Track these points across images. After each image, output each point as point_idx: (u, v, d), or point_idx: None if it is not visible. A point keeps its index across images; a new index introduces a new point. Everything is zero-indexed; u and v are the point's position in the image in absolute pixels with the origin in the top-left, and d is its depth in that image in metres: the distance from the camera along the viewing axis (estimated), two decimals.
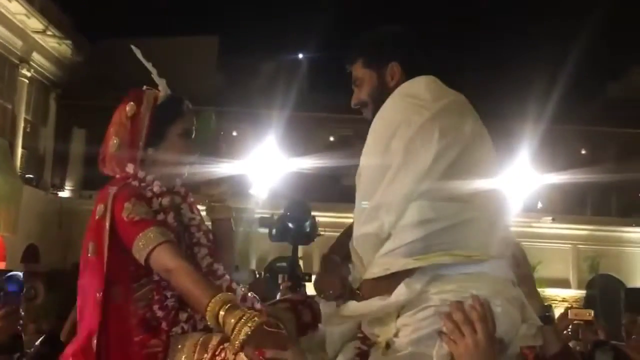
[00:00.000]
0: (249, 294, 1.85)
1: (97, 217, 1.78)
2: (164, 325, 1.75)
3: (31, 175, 16.46)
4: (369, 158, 1.74)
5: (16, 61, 15.59)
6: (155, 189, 1.83)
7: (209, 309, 1.53)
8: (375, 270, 1.66)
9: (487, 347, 1.44)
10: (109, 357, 1.73)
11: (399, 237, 1.62)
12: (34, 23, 15.60)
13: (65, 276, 11.37)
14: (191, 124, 1.93)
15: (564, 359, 1.74)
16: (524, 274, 1.75)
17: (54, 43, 16.83)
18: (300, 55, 19.78)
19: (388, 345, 1.61)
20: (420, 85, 1.76)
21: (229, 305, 1.52)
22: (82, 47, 17.71)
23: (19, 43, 15.46)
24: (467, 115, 1.72)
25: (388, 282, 1.62)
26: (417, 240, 1.60)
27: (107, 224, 1.74)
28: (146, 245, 1.68)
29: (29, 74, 16.01)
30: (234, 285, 1.86)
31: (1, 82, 15.01)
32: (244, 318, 1.47)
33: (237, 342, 1.45)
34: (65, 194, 18.34)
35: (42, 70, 16.93)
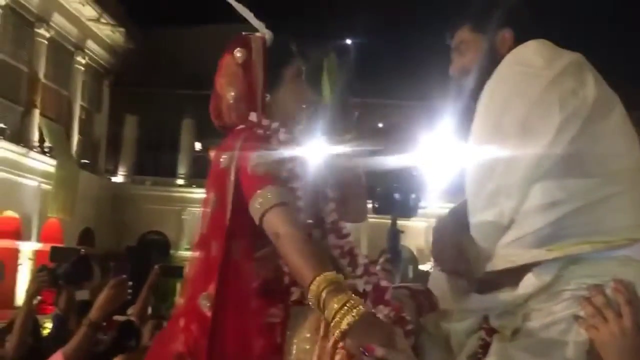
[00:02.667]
0: (378, 269, 1.69)
1: (221, 166, 1.64)
2: (286, 281, 1.60)
3: (86, 161, 16.93)
4: (479, 138, 1.57)
5: (71, 49, 16.00)
6: (282, 137, 1.69)
7: (312, 287, 1.36)
8: (499, 262, 1.49)
9: (635, 335, 1.28)
10: (224, 322, 1.58)
11: (524, 224, 1.44)
12: (89, 11, 15.96)
13: (121, 259, 11.70)
14: (302, 64, 1.82)
15: None
16: None
17: (107, 31, 17.20)
18: (349, 41, 19.60)
19: (515, 333, 1.46)
20: (530, 50, 1.58)
21: (333, 286, 1.34)
22: (135, 35, 18.02)
23: (74, 31, 15.85)
24: (587, 78, 1.50)
25: (514, 273, 1.46)
26: (546, 225, 1.41)
27: (233, 174, 1.61)
28: (262, 205, 1.53)
29: (83, 61, 16.42)
30: (356, 250, 1.70)
31: (57, 69, 15.43)
32: (348, 305, 1.30)
33: (337, 331, 1.29)
34: (118, 179, 18.83)
35: (96, 58, 17.34)
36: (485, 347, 1.55)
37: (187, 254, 17.54)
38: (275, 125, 1.70)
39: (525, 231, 1.44)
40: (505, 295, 1.49)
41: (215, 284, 1.58)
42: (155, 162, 19.06)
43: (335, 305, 1.31)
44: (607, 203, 1.42)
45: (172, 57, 17.35)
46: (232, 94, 1.74)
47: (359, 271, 1.65)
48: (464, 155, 1.62)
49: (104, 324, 2.48)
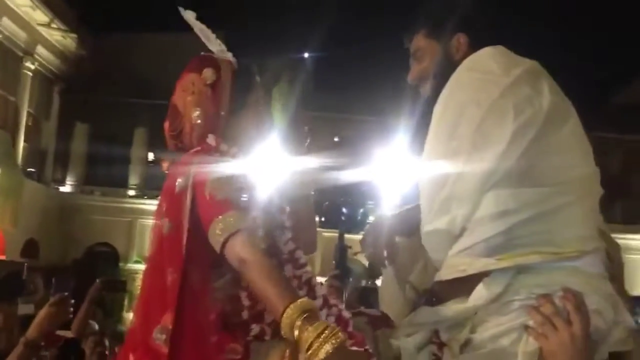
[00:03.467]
0: (331, 296, 1.66)
1: (176, 191, 1.60)
2: (245, 316, 1.55)
3: (33, 169, 16.39)
4: (433, 145, 1.55)
5: (20, 54, 15.51)
6: (239, 163, 1.66)
7: (285, 315, 1.33)
8: (449, 271, 1.48)
9: (584, 343, 1.26)
10: (179, 357, 1.50)
11: (475, 233, 1.43)
12: (39, 15, 15.52)
13: (66, 272, 11.30)
14: (262, 91, 1.82)
15: None
16: (615, 272, 1.55)
17: (58, 36, 16.76)
18: (306, 54, 19.68)
19: (465, 345, 1.44)
20: (487, 57, 1.57)
21: (307, 314, 1.32)
22: (87, 41, 17.64)
23: (23, 35, 15.38)
24: (543, 86, 1.49)
25: (464, 283, 1.44)
26: (498, 234, 1.39)
27: (188, 199, 1.56)
28: (224, 230, 1.49)
29: (33, 67, 15.93)
30: (313, 280, 1.67)
31: (5, 75, 14.92)
32: (325, 333, 1.28)
33: None
34: (66, 188, 18.28)
35: (46, 64, 16.85)
36: None
37: (137, 266, 17.14)
38: (233, 150, 1.67)
39: (476, 240, 1.42)
40: (455, 308, 1.47)
41: (171, 315, 1.50)
42: (106, 172, 18.59)
43: (312, 334, 1.28)
44: (558, 213, 1.42)
45: (124, 64, 17.02)
46: (198, 113, 1.70)
47: (318, 302, 1.60)
48: (418, 165, 1.61)
49: (43, 342, 2.35)
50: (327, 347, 1.26)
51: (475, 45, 1.62)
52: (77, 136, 18.35)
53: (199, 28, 1.77)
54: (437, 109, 1.57)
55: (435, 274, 1.55)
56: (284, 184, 1.78)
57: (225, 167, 1.61)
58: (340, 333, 1.29)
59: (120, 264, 17.18)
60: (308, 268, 1.69)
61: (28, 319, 3.20)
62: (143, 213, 17.43)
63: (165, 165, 1.75)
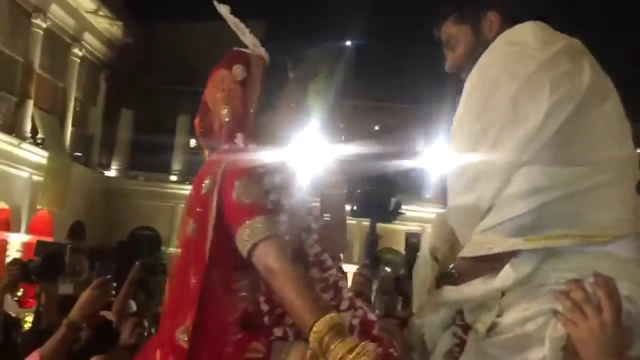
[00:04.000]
0: (357, 299, 1.64)
1: (203, 192, 1.56)
2: (267, 322, 1.54)
3: (80, 154, 16.82)
4: (464, 117, 1.50)
5: (68, 40, 15.89)
6: (268, 164, 1.62)
7: (315, 330, 1.32)
8: (475, 248, 1.44)
9: (615, 331, 1.22)
10: (200, 356, 1.50)
11: (503, 210, 1.38)
12: (87, 3, 15.85)
13: (111, 254, 11.58)
14: (296, 90, 1.75)
15: None
16: None
17: (105, 24, 17.09)
18: (348, 42, 19.59)
19: (491, 329, 1.41)
20: (526, 31, 1.51)
21: (336, 329, 1.32)
22: (133, 29, 17.92)
23: (71, 22, 15.74)
24: (583, 62, 1.44)
25: (490, 261, 1.40)
26: (527, 213, 1.35)
27: (215, 201, 1.52)
28: (251, 236, 1.46)
29: (80, 54, 16.30)
30: (340, 283, 1.64)
31: (54, 61, 15.32)
32: (356, 351, 1.27)
33: None
34: (111, 173, 18.72)
35: (93, 51, 17.22)
36: (461, 344, 1.51)
37: (178, 250, 17.42)
38: (262, 150, 1.63)
39: (504, 217, 1.38)
40: (481, 288, 1.44)
41: (192, 315, 1.50)
42: (150, 157, 18.95)
43: (341, 350, 1.28)
44: (591, 194, 1.37)
45: (169, 52, 17.27)
46: (226, 111, 1.66)
47: (344, 305, 1.59)
48: (448, 142, 1.56)
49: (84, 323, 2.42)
50: None
51: (508, 22, 1.56)
52: (122, 122, 18.74)
53: (233, 22, 1.74)
54: (470, 80, 1.52)
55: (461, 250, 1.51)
56: (315, 181, 1.76)
57: (253, 169, 1.57)
58: (369, 353, 1.27)
59: (162, 248, 17.52)
60: (334, 271, 1.66)
61: (65, 300, 3.31)
62: (185, 198, 17.51)
63: (207, 152, 1.74)
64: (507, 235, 1.38)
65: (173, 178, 18.56)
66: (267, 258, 1.45)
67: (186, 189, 17.82)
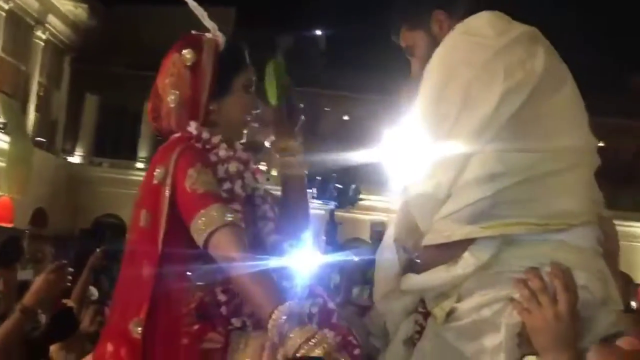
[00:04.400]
0: (319, 288, 1.62)
1: (155, 181, 1.52)
2: (224, 312, 1.51)
3: (43, 139, 16.46)
4: (422, 106, 1.50)
5: (32, 22, 15.49)
6: (222, 153, 1.58)
7: (273, 318, 1.31)
8: (435, 236, 1.44)
9: (569, 322, 1.24)
10: (154, 348, 1.47)
11: (461, 196, 1.39)
12: None
13: (73, 242, 11.38)
14: (254, 74, 1.68)
15: None
16: (610, 250, 1.50)
17: (69, 6, 16.71)
18: (319, 32, 19.54)
19: (450, 314, 1.43)
20: (482, 21, 1.52)
21: (296, 317, 1.31)
22: (98, 12, 17.58)
23: (35, 4, 15.34)
24: (538, 50, 1.44)
25: (451, 248, 1.41)
26: (483, 199, 1.35)
27: (167, 192, 1.49)
28: (207, 225, 1.44)
29: (44, 37, 15.92)
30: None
31: (16, 44, 14.92)
32: (313, 340, 1.26)
33: None
34: (75, 159, 18.39)
35: (57, 33, 16.83)
36: (421, 331, 1.52)
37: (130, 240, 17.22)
38: (216, 139, 1.59)
39: (461, 204, 1.39)
40: (442, 275, 1.45)
41: (145, 309, 1.47)
42: (115, 144, 18.67)
43: (298, 340, 1.27)
44: (546, 181, 1.38)
45: (136, 36, 16.97)
46: (174, 97, 1.61)
47: (303, 293, 1.56)
48: (407, 127, 1.57)
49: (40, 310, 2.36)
50: (317, 352, 1.25)
51: (457, 17, 1.58)
52: (87, 107, 18.40)
53: (193, 5, 1.69)
54: (427, 70, 1.52)
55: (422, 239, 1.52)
56: (274, 167, 1.74)
57: (206, 157, 1.54)
58: (328, 340, 1.27)
59: (127, 236, 17.31)
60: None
61: (23, 285, 3.24)
62: None
63: (149, 113, 1.69)
64: (464, 222, 1.39)
65: (139, 165, 18.31)
66: (225, 246, 1.44)
67: None
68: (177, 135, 1.60)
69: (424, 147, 1.46)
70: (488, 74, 1.40)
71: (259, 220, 1.64)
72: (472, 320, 1.38)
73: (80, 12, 17.11)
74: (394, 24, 1.68)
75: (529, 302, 1.27)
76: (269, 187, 1.74)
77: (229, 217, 1.46)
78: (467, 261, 1.39)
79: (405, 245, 1.62)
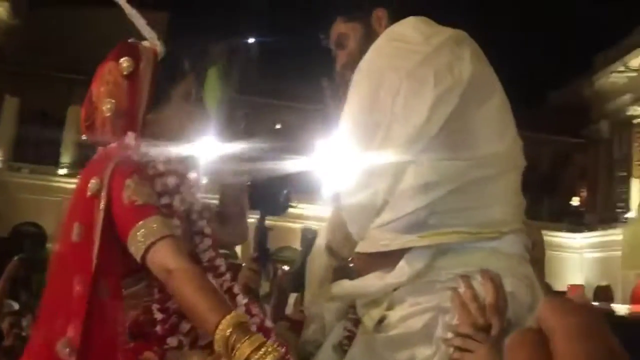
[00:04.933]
0: (253, 306, 1.61)
1: (89, 193, 1.46)
2: (160, 331, 1.46)
3: None
4: (352, 116, 1.50)
5: None
6: (160, 166, 1.55)
7: (219, 329, 1.27)
8: (371, 244, 1.44)
9: (500, 342, 1.28)
10: None
11: (398, 206, 1.40)
12: None
13: None
14: (194, 85, 1.65)
15: None
16: (537, 257, 1.53)
17: None
18: (251, 39, 19.49)
19: (380, 322, 1.43)
20: (408, 27, 1.53)
21: (242, 328, 1.28)
22: (20, 12, 16.83)
23: None
24: (464, 53, 1.46)
25: (385, 257, 1.42)
26: (419, 210, 1.37)
27: (103, 204, 1.44)
28: (146, 237, 1.40)
29: None
30: (235, 289, 1.61)
31: None
32: (263, 350, 1.24)
33: None
34: None
35: None
36: (351, 337, 1.53)
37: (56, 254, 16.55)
38: (154, 151, 1.55)
39: (398, 214, 1.41)
40: (376, 282, 1.46)
41: (78, 329, 1.40)
42: (36, 148, 17.86)
43: (247, 350, 1.24)
44: (478, 189, 1.42)
45: (59, 38, 16.35)
46: (109, 106, 1.56)
47: (240, 311, 1.53)
48: (339, 136, 1.57)
49: None
50: None
51: (396, 18, 1.60)
52: (6, 110, 17.54)
53: (130, 12, 1.65)
54: (356, 77, 1.52)
55: (355, 247, 1.53)
56: (212, 179, 1.73)
57: (144, 169, 1.51)
58: (279, 348, 1.25)
59: (48, 245, 16.59)
60: (227, 276, 1.63)
61: None
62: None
63: (83, 123, 1.62)
64: (401, 232, 1.40)
65: (61, 171, 17.60)
66: (165, 259, 1.40)
67: (75, 183, 16.94)
68: (112, 145, 1.56)
69: (356, 155, 1.47)
70: (418, 81, 1.41)
71: (195, 236, 1.61)
72: (402, 330, 1.40)
73: (1, 11, 16.34)
74: (330, 12, 1.67)
75: (462, 314, 1.30)
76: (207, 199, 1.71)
77: (169, 229, 1.43)
78: (402, 270, 1.41)
79: (338, 252, 1.63)
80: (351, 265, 1.56)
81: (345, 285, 1.52)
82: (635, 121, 17.04)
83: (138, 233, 1.41)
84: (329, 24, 1.68)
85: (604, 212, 18.38)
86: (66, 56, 16.07)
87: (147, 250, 1.41)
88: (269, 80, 18.11)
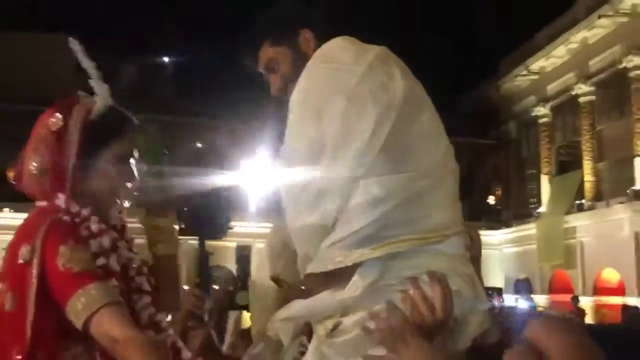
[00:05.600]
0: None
1: (20, 260, 1.42)
2: None
3: None
4: (295, 139, 1.53)
5: None
6: (94, 226, 1.51)
7: None
8: (324, 264, 1.47)
9: (443, 341, 1.35)
10: None
11: (348, 223, 1.44)
12: None
13: None
14: (132, 145, 1.59)
15: (503, 348, 1.61)
16: (474, 256, 1.62)
17: None
18: (166, 59, 19.18)
19: (333, 329, 1.46)
20: (336, 48, 1.59)
21: None
22: None
23: None
24: (394, 71, 1.53)
25: (336, 274, 1.45)
26: (370, 224, 1.43)
27: (35, 271, 1.40)
28: (87, 306, 1.37)
29: None
30: (178, 343, 1.61)
31: None
32: None
33: None
34: None
35: None
36: (304, 353, 1.56)
37: None
38: (85, 211, 1.52)
39: (350, 230, 1.45)
40: (330, 300, 1.49)
41: None
42: None
43: None
44: (422, 198, 1.48)
45: None
46: (35, 164, 1.52)
47: None
48: (280, 159, 1.60)
49: None
50: None
51: (321, 38, 1.64)
52: None
53: (87, 64, 1.62)
54: (295, 101, 1.56)
55: (304, 268, 1.55)
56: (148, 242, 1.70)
57: (78, 233, 1.47)
58: None
59: None
60: (170, 331, 1.63)
61: None
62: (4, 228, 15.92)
63: (12, 175, 1.60)
64: (354, 247, 1.45)
65: None
66: (109, 327, 1.38)
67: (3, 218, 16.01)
68: (42, 204, 1.53)
69: (303, 176, 1.50)
70: (358, 102, 1.47)
71: (134, 293, 1.59)
72: (355, 335, 1.44)
73: None
74: (254, 39, 1.70)
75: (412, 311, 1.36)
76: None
77: (110, 296, 1.41)
78: (356, 284, 1.45)
79: (285, 280, 1.66)
80: (301, 287, 1.58)
81: (298, 307, 1.55)
82: (540, 121, 17.98)
83: (78, 302, 1.38)
84: (252, 47, 1.70)
85: (517, 209, 19.31)
86: None
87: (88, 319, 1.38)
88: (188, 99, 17.87)
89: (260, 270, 1.77)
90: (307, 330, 1.60)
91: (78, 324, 1.39)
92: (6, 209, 16.24)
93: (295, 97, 1.57)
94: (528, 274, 18.00)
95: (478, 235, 1.75)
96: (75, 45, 1.62)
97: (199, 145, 18.63)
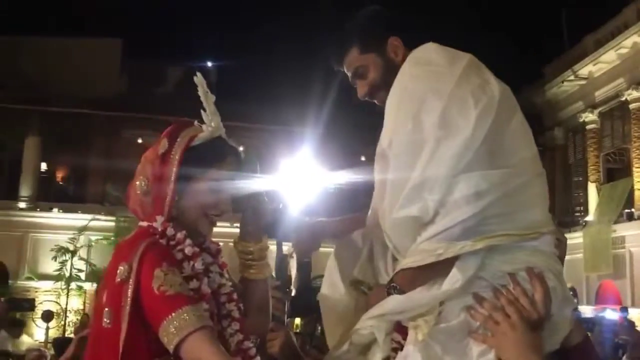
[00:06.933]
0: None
1: (118, 279, 1.48)
2: None
3: None
4: (395, 136, 1.60)
5: None
6: (187, 249, 1.55)
7: None
8: (422, 257, 1.51)
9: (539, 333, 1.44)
10: None
11: (449, 216, 1.49)
12: None
13: None
14: (231, 172, 1.62)
15: (585, 352, 1.67)
16: (560, 255, 1.68)
17: None
18: (209, 63, 19.49)
19: (434, 325, 1.51)
20: (429, 52, 1.68)
21: None
22: None
23: None
24: (488, 75, 1.64)
25: (432, 269, 1.50)
26: (472, 216, 1.48)
27: (131, 291, 1.45)
28: (180, 329, 1.41)
29: None
30: None
31: None
32: None
33: None
34: None
35: None
36: (397, 349, 1.60)
37: (28, 283, 16.11)
38: (181, 234, 1.56)
39: (451, 223, 1.50)
40: (426, 295, 1.53)
41: None
42: None
43: None
44: (519, 194, 1.55)
45: (18, 69, 16.05)
46: (142, 184, 1.59)
47: None
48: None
49: None
50: None
51: (409, 45, 1.72)
52: None
53: (206, 97, 1.65)
54: (394, 101, 1.64)
55: (384, 264, 1.64)
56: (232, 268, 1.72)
57: (171, 256, 1.52)
58: None
59: (10, 281, 16.10)
60: (258, 358, 1.65)
61: None
62: (35, 227, 16.44)
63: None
64: (454, 239, 1.49)
65: (21, 205, 17.17)
66: (200, 352, 1.42)
67: (35, 216, 16.57)
68: (143, 224, 1.59)
69: (405, 172, 1.55)
70: (459, 102, 1.55)
71: (223, 319, 1.62)
72: (457, 329, 1.51)
73: None
74: (341, 46, 1.78)
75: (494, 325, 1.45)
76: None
77: (202, 321, 1.45)
78: (456, 277, 1.50)
79: (366, 281, 1.72)
80: (395, 285, 1.58)
81: (394, 303, 1.58)
82: (588, 127, 17.57)
83: (170, 325, 1.42)
84: (339, 51, 1.78)
85: (563, 217, 18.87)
86: (24, 87, 15.77)
87: (180, 342, 1.42)
88: (229, 102, 18.10)
89: (330, 286, 1.81)
90: (398, 327, 1.63)
91: (170, 346, 1.43)
92: (55, 209, 16.77)
93: (394, 97, 1.65)
94: (574, 283, 17.54)
95: (564, 237, 1.81)
96: (199, 78, 1.67)
97: (241, 148, 18.88)
